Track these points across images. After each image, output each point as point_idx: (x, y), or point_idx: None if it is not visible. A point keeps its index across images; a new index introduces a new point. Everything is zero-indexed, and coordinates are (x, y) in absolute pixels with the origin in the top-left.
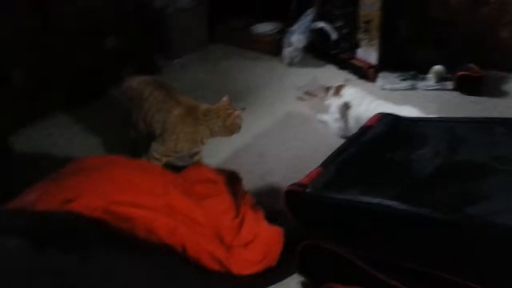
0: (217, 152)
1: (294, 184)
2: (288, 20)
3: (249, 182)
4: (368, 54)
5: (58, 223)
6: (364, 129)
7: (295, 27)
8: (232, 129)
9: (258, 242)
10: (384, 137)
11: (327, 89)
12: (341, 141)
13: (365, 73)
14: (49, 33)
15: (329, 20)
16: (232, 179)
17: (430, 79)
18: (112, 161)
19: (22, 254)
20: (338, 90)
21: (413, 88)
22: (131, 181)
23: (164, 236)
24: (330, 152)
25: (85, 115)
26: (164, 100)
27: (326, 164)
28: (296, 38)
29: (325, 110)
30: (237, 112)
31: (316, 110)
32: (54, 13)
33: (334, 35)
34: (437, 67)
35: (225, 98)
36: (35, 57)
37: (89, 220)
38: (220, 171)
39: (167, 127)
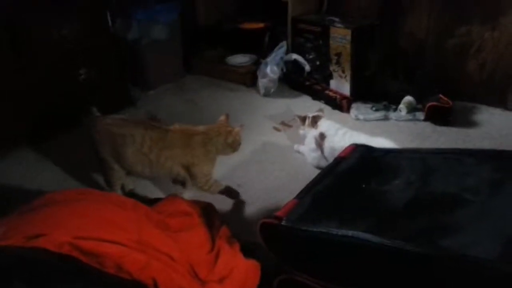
0: None
1: (269, 217)
2: (262, 52)
3: (226, 213)
4: (341, 85)
5: (25, 259)
6: (338, 160)
7: (269, 58)
8: (233, 146)
9: (234, 277)
10: (358, 168)
11: (303, 119)
12: (318, 170)
13: (339, 104)
14: (21, 64)
15: (302, 52)
16: (207, 211)
17: (402, 110)
18: (82, 195)
19: None
20: (314, 121)
21: (385, 118)
22: (101, 216)
23: (134, 272)
24: (307, 182)
25: (56, 147)
26: (160, 137)
27: (301, 195)
28: (271, 70)
29: (301, 140)
30: (237, 129)
31: (292, 140)
32: (27, 45)
33: (307, 67)
34: (408, 98)
35: (222, 117)
36: (6, 89)
37: (57, 256)
38: (195, 203)
39: (180, 160)
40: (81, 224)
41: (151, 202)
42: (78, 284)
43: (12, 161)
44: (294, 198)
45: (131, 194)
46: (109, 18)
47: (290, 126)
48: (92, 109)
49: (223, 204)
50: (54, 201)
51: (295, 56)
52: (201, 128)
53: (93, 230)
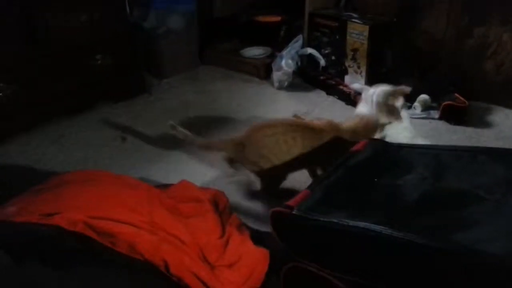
0: (203, 171)
1: (280, 206)
2: (277, 45)
3: (236, 202)
4: (356, 81)
5: (39, 235)
6: (352, 154)
7: (285, 52)
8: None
9: (243, 263)
10: (371, 162)
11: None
12: None
13: (353, 99)
14: (37, 48)
15: (318, 47)
16: (218, 198)
17: (416, 108)
18: (97, 176)
19: (0, 265)
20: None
21: None
22: (115, 197)
23: (146, 253)
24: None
25: (71, 130)
26: (313, 136)
27: (313, 186)
28: (285, 63)
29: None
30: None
31: None
32: (44, 29)
33: (322, 62)
34: (423, 96)
35: (360, 113)
36: (22, 72)
37: (71, 234)
38: (206, 190)
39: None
40: (95, 204)
41: (163, 187)
42: (92, 262)
43: (26, 142)
44: (306, 188)
45: None
46: (127, 6)
47: (303, 119)
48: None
49: (233, 193)
50: (68, 181)
51: (310, 50)
52: (350, 124)
53: (106, 210)
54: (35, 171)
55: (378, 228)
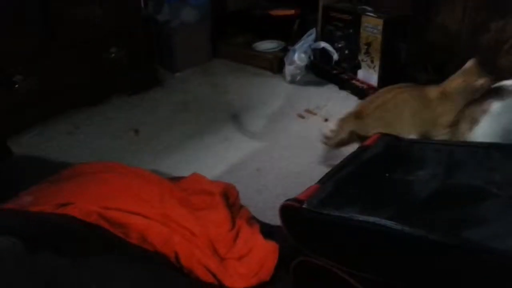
0: (214, 165)
1: (290, 200)
2: (290, 39)
3: (246, 196)
4: (369, 75)
5: (53, 225)
6: (363, 148)
7: (298, 46)
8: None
9: (253, 256)
10: (383, 157)
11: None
12: (341, 158)
13: (366, 94)
14: (53, 41)
15: (331, 41)
16: (228, 192)
17: None
18: (110, 168)
19: (13, 254)
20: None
21: None
22: (128, 188)
23: (157, 244)
24: (329, 169)
25: (85, 122)
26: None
27: (323, 181)
28: (298, 57)
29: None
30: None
31: (316, 127)
32: (59, 22)
33: (335, 56)
34: None
35: (470, 63)
36: (38, 64)
37: (84, 224)
38: (217, 183)
39: None
40: (107, 195)
41: (174, 179)
42: (105, 252)
43: (42, 133)
44: (317, 183)
45: None
46: None
47: (314, 113)
48: None
49: (244, 186)
50: (81, 173)
51: (323, 44)
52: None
53: (119, 201)
54: (50, 162)
55: (389, 223)
